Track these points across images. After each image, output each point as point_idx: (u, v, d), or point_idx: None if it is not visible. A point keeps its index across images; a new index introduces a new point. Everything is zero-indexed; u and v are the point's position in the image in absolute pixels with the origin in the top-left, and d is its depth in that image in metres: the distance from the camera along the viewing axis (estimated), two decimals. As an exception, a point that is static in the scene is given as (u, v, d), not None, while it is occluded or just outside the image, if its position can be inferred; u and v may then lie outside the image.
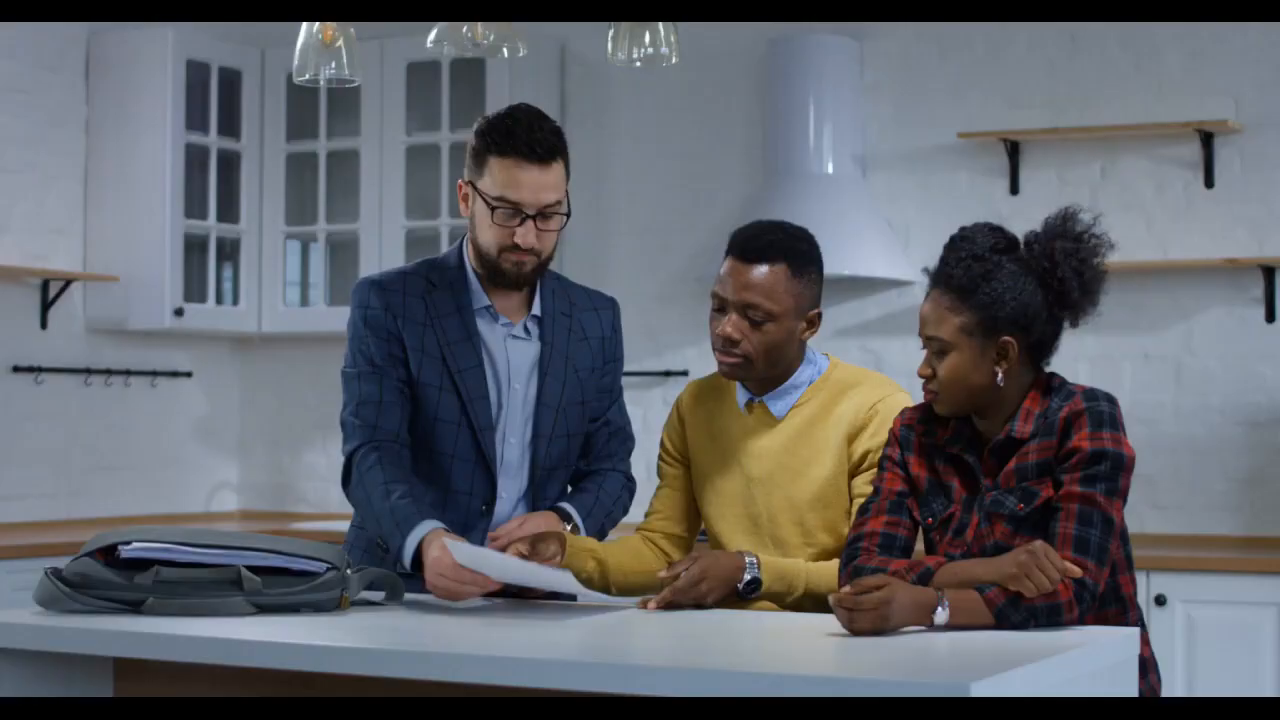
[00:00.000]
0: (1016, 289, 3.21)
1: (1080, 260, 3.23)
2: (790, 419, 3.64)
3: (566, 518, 3.70)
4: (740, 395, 3.70)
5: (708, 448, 3.73)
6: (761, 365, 3.59)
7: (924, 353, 3.31)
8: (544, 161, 3.55)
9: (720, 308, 3.59)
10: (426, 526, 3.47)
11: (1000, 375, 3.23)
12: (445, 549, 3.37)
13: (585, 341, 3.79)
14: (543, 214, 3.58)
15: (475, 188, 3.60)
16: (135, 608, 3.20)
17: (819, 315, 3.63)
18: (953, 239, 3.30)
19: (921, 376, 3.31)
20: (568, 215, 3.63)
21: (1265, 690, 5.32)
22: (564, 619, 3.26)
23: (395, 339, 3.66)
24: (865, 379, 3.65)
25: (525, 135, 3.54)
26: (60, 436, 6.69)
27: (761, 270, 3.54)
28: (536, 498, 3.74)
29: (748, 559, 3.49)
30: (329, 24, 4.03)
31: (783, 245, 3.56)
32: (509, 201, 3.55)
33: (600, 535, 3.79)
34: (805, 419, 3.63)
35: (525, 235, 3.57)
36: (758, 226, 3.62)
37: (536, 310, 3.73)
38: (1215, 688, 5.35)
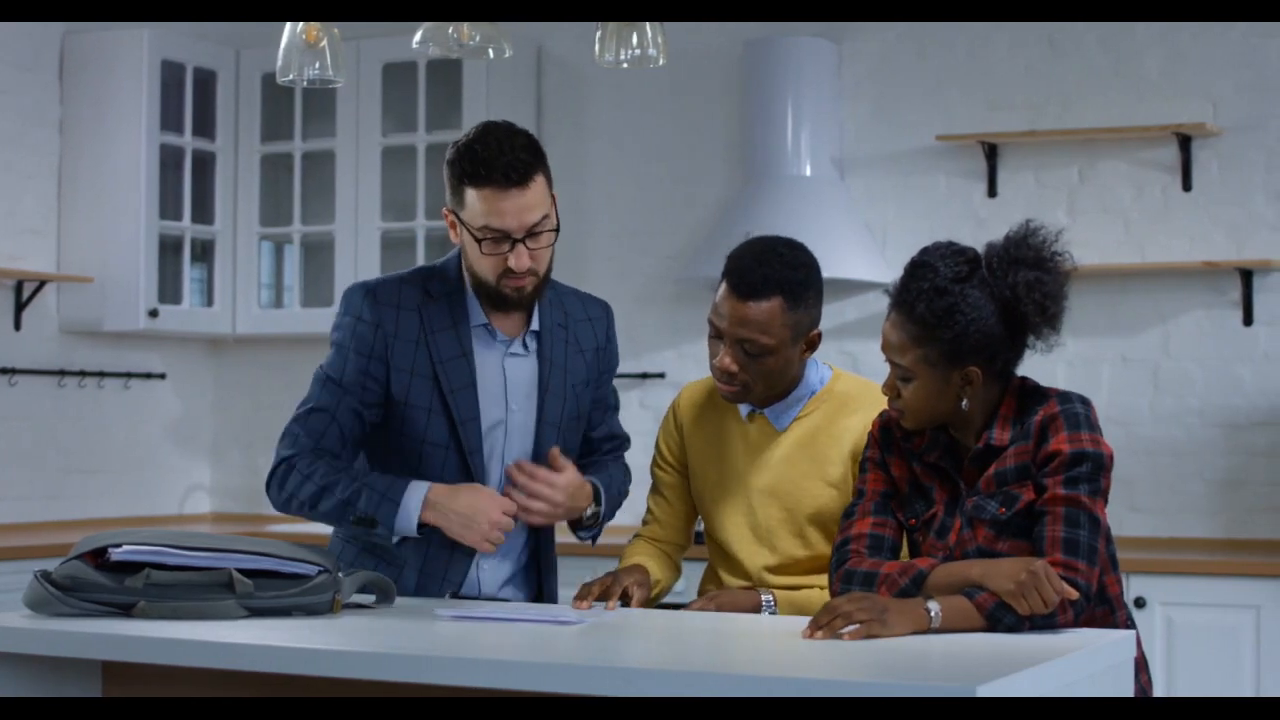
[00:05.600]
0: (980, 320, 3.16)
1: (1044, 294, 3.17)
2: (792, 430, 3.62)
3: (596, 498, 3.68)
4: (742, 405, 3.68)
5: (708, 456, 3.71)
6: (761, 390, 3.57)
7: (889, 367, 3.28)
8: (522, 184, 3.45)
9: (717, 335, 3.54)
10: (421, 485, 3.50)
11: (965, 401, 3.21)
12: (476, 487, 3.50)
13: (581, 354, 3.73)
14: (531, 234, 3.49)
15: (459, 218, 3.53)
16: (126, 611, 3.17)
17: (819, 335, 3.58)
18: (914, 265, 3.24)
19: (886, 394, 3.29)
20: (557, 229, 3.54)
21: (1244, 693, 5.33)
22: (568, 622, 3.24)
23: (379, 359, 3.58)
24: (869, 393, 3.61)
25: (497, 161, 3.43)
26: (33, 438, 6.64)
27: (757, 306, 3.48)
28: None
29: (764, 597, 3.50)
30: (313, 24, 4.00)
31: (779, 279, 3.48)
32: (494, 230, 3.47)
33: (609, 517, 3.75)
34: (807, 431, 3.60)
35: (519, 259, 3.48)
36: (754, 255, 3.52)
37: (535, 325, 3.66)
38: (1195, 689, 5.37)
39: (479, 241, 3.49)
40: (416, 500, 3.49)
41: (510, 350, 3.65)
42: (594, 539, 3.78)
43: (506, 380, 3.64)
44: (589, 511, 3.66)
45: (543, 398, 3.65)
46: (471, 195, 3.47)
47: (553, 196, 3.54)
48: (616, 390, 3.91)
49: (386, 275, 3.73)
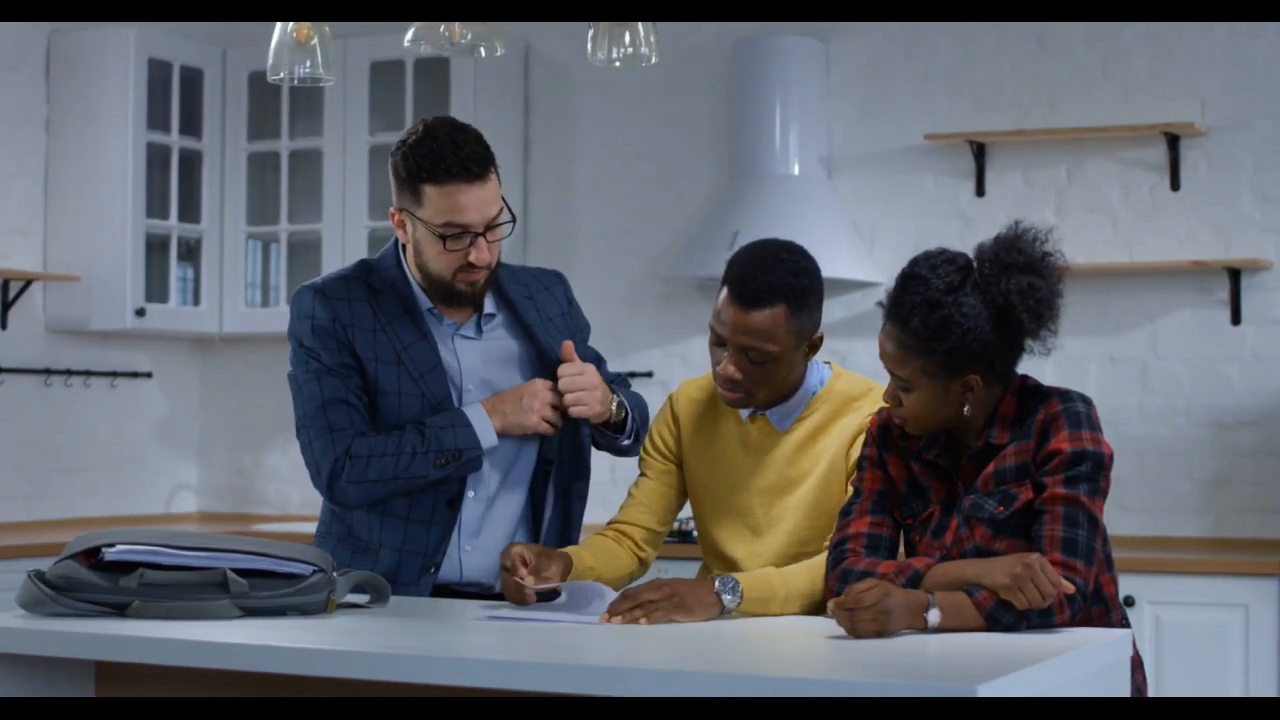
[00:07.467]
0: (975, 329, 3.14)
1: (1038, 300, 3.15)
2: (793, 432, 3.59)
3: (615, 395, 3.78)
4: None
5: (705, 454, 3.68)
6: (764, 396, 3.53)
7: (889, 378, 3.26)
8: (481, 177, 3.52)
9: (719, 341, 3.51)
10: (468, 405, 3.62)
11: (967, 407, 3.20)
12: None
13: (550, 321, 3.78)
14: (490, 226, 3.56)
15: (415, 216, 3.55)
16: (120, 610, 3.17)
17: (821, 338, 3.55)
18: (904, 277, 3.21)
19: (887, 403, 3.28)
20: (513, 221, 3.61)
21: (1233, 692, 5.34)
22: (559, 622, 3.23)
23: (346, 348, 3.61)
24: (869, 391, 3.58)
25: (454, 155, 3.49)
26: (20, 437, 6.63)
27: (760, 315, 3.43)
28: (509, 488, 3.74)
29: (716, 583, 3.31)
30: (303, 23, 3.99)
31: (781, 287, 3.43)
32: (457, 225, 3.52)
33: (641, 424, 3.84)
34: (808, 432, 3.58)
35: (479, 254, 3.55)
36: (755, 262, 3.47)
37: (490, 308, 3.71)
38: (1184, 689, 5.37)
39: (442, 239, 3.53)
40: (478, 412, 3.61)
41: (460, 333, 3.70)
42: (634, 439, 3.82)
43: (460, 362, 3.68)
44: (614, 403, 3.73)
45: (544, 358, 3.72)
46: (431, 192, 3.52)
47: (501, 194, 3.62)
48: (599, 354, 3.95)
49: (329, 274, 3.76)
